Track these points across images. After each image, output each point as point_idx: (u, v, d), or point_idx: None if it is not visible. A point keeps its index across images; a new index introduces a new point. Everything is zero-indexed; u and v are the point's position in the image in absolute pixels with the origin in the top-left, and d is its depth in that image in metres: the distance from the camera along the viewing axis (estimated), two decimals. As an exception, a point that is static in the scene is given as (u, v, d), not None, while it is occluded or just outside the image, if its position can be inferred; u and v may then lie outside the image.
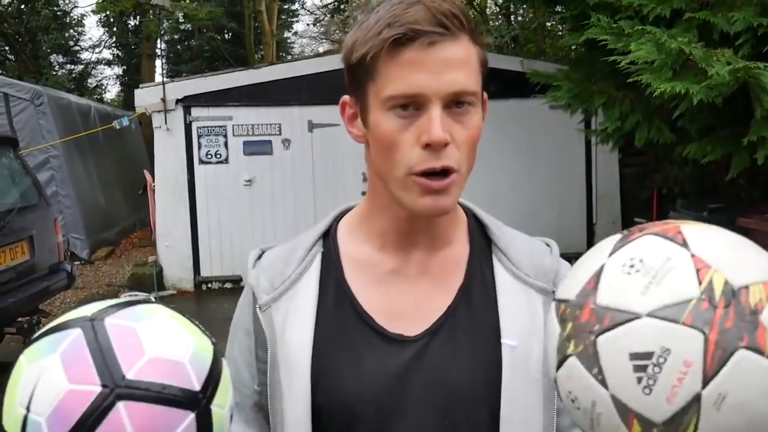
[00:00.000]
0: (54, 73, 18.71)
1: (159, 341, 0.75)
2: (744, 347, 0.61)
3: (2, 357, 6.00)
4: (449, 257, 1.00)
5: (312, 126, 8.50)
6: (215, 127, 8.39)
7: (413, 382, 0.94)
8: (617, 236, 0.75)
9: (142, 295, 7.95)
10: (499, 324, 0.97)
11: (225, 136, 8.42)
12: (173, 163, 8.40)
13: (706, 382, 0.61)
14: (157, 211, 8.51)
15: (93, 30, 30.98)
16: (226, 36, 21.27)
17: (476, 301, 0.98)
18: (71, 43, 20.09)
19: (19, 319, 5.20)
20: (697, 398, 0.61)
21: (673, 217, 6.17)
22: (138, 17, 19.16)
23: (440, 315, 0.97)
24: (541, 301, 0.98)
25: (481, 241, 1.03)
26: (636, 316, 0.64)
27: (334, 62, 7.88)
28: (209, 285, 8.56)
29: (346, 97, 0.99)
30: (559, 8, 7.26)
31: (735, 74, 3.74)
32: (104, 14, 19.26)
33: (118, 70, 22.28)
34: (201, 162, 8.42)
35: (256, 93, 8.43)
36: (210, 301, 8.05)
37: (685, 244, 0.68)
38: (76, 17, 19.72)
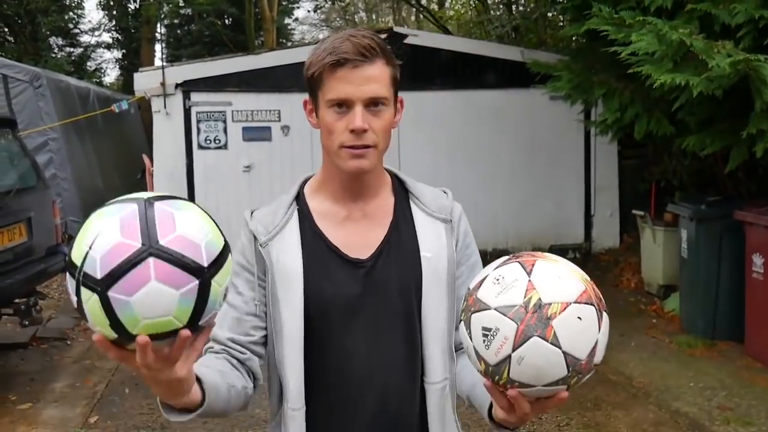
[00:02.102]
0: (53, 55, 18.62)
1: (188, 226, 1.05)
2: (537, 335, 1.09)
3: (0, 338, 6.03)
4: (381, 204, 1.48)
5: (311, 113, 8.48)
6: (214, 112, 8.37)
7: (368, 287, 1.42)
8: (506, 257, 1.21)
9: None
10: (418, 244, 1.45)
11: (224, 121, 8.40)
12: (172, 148, 8.38)
13: (514, 349, 1.10)
14: (155, 196, 8.51)
15: (93, 13, 30.76)
16: (227, 21, 21.17)
17: (402, 231, 1.47)
18: (71, 25, 19.98)
19: (16, 300, 5.19)
20: (508, 357, 1.10)
21: (671, 210, 6.19)
22: (138, 1, 19.06)
23: (380, 243, 1.45)
24: (443, 227, 1.48)
25: (402, 192, 1.51)
26: (488, 308, 1.13)
27: (335, 49, 7.69)
28: (206, 270, 8.56)
29: (306, 98, 1.43)
30: (560, -2, 7.24)
31: (735, 66, 3.72)
32: (104, -3, 19.21)
33: (117, 53, 22.19)
34: (200, 147, 8.40)
35: (256, 79, 8.40)
36: (207, 286, 8.07)
37: (529, 273, 1.14)
38: (75, 0, 19.63)
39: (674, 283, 6.75)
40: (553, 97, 8.73)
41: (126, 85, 20.01)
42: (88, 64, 21.61)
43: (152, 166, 8.59)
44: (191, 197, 8.41)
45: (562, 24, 11.60)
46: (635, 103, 5.28)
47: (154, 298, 1.00)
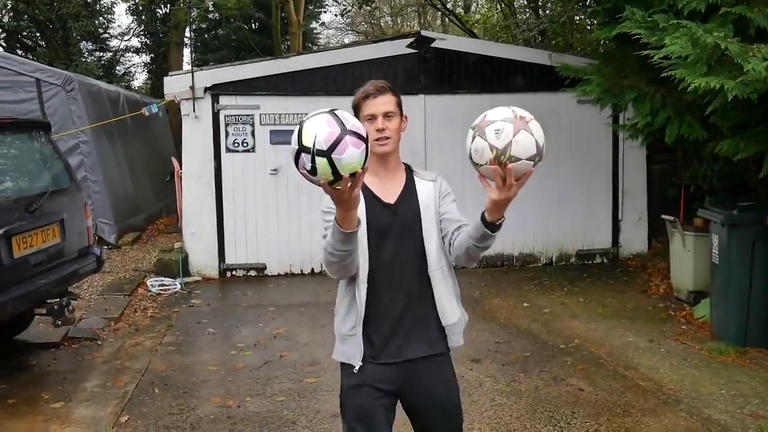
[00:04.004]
0: (83, 59, 18.87)
1: (352, 118, 2.10)
2: (524, 129, 2.06)
3: (32, 338, 6.10)
4: (398, 177, 2.56)
5: (338, 116, 8.49)
6: (242, 115, 8.42)
7: (393, 218, 2.50)
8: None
9: (167, 281, 8.01)
10: (417, 195, 2.53)
11: (252, 125, 8.45)
12: (201, 151, 8.45)
13: (514, 136, 2.05)
14: (183, 199, 8.58)
15: (122, 18, 31.14)
16: (253, 26, 21.30)
17: (410, 189, 2.55)
18: (101, 30, 20.24)
19: (49, 300, 5.25)
20: (510, 141, 2.05)
21: (702, 215, 6.09)
22: (167, 6, 19.24)
23: (398, 195, 2.53)
24: (431, 185, 2.56)
25: (410, 173, 2.59)
26: (496, 120, 2.08)
27: (362, 53, 8.00)
28: (234, 272, 8.62)
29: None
30: (590, 2, 7.16)
31: (772, 70, 3.66)
32: (133, 2, 19.39)
33: (145, 58, 22.42)
34: (228, 150, 8.46)
35: (283, 82, 8.45)
36: (234, 288, 8.11)
37: (510, 107, 2.12)
38: (105, 5, 19.88)
39: (704, 289, 6.64)
40: (581, 101, 8.65)
41: (154, 88, 20.21)
42: (117, 68, 21.88)
43: (180, 169, 8.67)
44: (219, 199, 8.48)
45: (589, 27, 11.52)
46: (666, 107, 5.20)
47: (350, 155, 2.02)
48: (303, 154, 2.03)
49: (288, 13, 18.19)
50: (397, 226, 2.50)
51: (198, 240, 8.54)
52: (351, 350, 2.49)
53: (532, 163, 2.08)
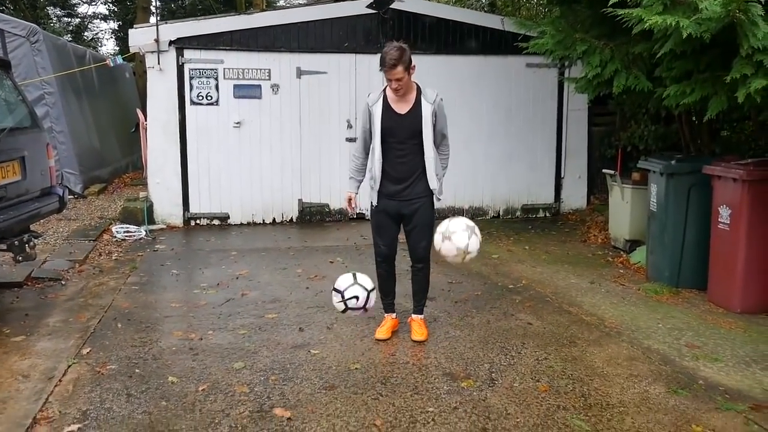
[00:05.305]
0: (51, 24, 17.87)
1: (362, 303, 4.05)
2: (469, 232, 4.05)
3: (-5, 277, 5.68)
4: (411, 98, 4.08)
5: (300, 72, 8.12)
6: (207, 69, 7.96)
7: (403, 125, 4.08)
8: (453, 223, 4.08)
9: (132, 228, 7.60)
10: (422, 111, 4.06)
11: (216, 78, 8.00)
12: (165, 103, 7.97)
13: (466, 241, 4.00)
14: (148, 149, 8.11)
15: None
16: (218, -3, 20.48)
17: (416, 106, 4.06)
18: (68, -5, 19.20)
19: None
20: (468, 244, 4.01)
21: (642, 166, 5.99)
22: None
23: (409, 109, 4.08)
24: (430, 106, 4.04)
25: (418, 93, 4.09)
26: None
27: (324, 12, 7.60)
28: (198, 221, 8.23)
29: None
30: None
31: (726, 7, 3.47)
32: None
33: (113, 24, 21.41)
34: (192, 103, 8.00)
35: (247, 38, 8.01)
36: (198, 235, 7.73)
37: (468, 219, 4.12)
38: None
39: (639, 238, 6.59)
40: (529, 64, 8.48)
41: (122, 54, 19.26)
42: (85, 34, 20.84)
43: (145, 120, 8.19)
44: (183, 151, 8.06)
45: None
46: (614, 60, 5.02)
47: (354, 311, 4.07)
48: (338, 294, 3.98)
49: (252, -16, 17.48)
50: (404, 128, 4.01)
51: (163, 189, 8.11)
52: (374, 196, 4.16)
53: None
